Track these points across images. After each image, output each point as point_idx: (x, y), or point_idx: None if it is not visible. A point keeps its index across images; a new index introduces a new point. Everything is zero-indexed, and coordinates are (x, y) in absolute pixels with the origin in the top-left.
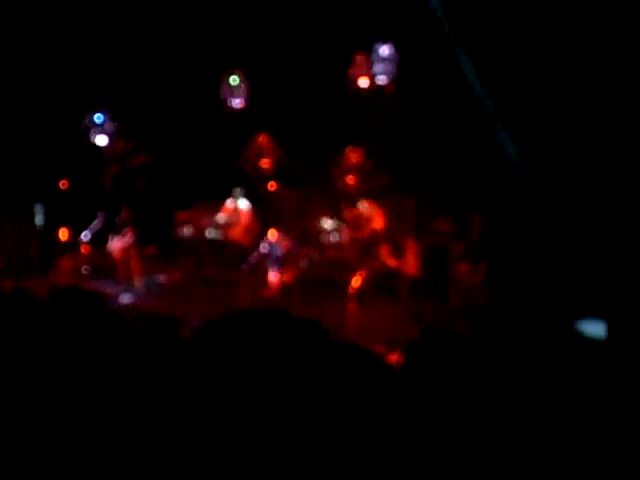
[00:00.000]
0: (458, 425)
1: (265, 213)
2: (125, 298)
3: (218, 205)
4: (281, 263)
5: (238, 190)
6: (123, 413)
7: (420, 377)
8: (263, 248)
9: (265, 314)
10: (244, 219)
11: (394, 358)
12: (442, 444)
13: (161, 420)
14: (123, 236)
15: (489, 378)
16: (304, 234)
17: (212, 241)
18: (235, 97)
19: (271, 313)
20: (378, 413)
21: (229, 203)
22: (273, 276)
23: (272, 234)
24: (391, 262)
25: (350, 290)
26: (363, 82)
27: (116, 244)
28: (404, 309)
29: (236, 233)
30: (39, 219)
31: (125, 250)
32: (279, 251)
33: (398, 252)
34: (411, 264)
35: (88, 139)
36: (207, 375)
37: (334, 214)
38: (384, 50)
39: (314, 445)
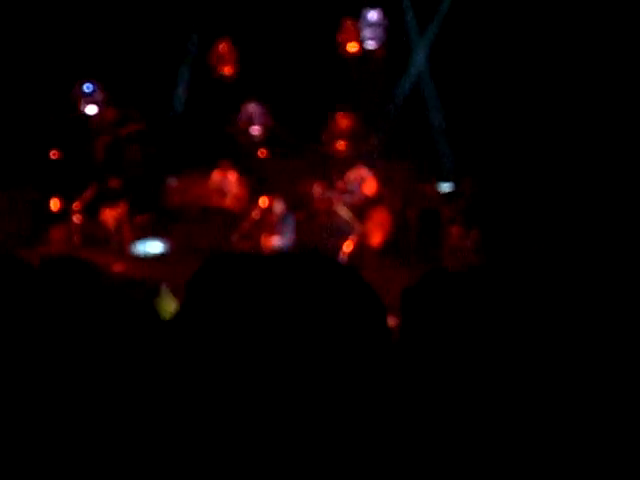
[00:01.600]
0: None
1: (256, 180)
2: (117, 266)
3: (208, 173)
4: (273, 229)
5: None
6: (121, 387)
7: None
8: (255, 215)
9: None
10: (234, 187)
11: (391, 322)
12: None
13: (160, 396)
14: (115, 205)
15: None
16: (295, 200)
17: (204, 209)
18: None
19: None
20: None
21: (217, 172)
22: (268, 241)
23: (263, 201)
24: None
25: (342, 255)
26: (352, 47)
27: (108, 213)
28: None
29: (227, 200)
30: None
31: (117, 219)
32: (271, 217)
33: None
34: (374, 233)
35: (78, 108)
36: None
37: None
38: (372, 15)
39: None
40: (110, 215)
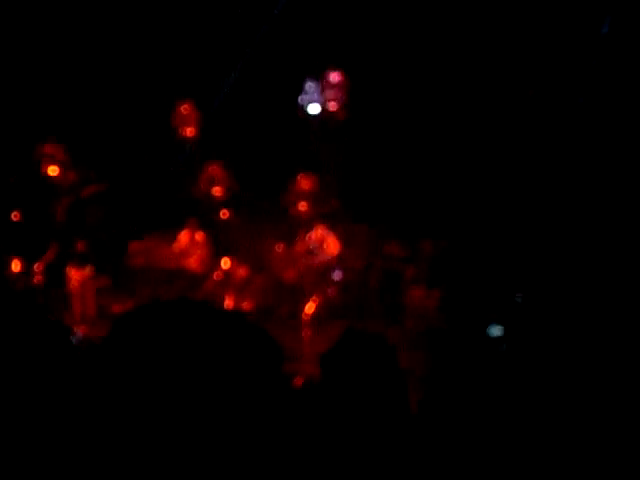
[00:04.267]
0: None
1: (218, 241)
2: (80, 330)
3: (171, 234)
4: (236, 290)
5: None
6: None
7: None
8: (217, 276)
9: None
10: (200, 247)
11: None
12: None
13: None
14: (78, 267)
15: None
16: (258, 261)
17: (166, 271)
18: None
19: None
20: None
21: (185, 232)
22: (227, 304)
23: (225, 262)
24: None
25: (304, 317)
26: (313, 109)
27: (72, 275)
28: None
29: (191, 261)
30: None
31: (80, 281)
32: (234, 278)
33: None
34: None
35: (40, 170)
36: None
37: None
38: (334, 77)
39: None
40: (73, 277)
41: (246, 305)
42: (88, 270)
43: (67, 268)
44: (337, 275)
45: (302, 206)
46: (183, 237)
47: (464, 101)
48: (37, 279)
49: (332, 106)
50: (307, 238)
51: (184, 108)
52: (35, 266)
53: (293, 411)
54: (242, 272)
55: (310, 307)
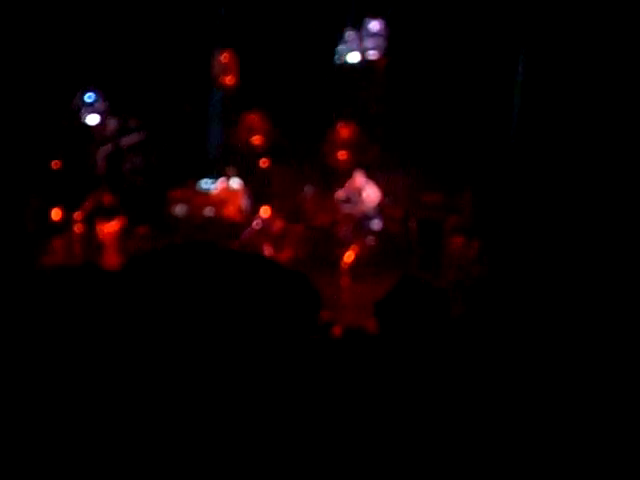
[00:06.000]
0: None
1: (257, 190)
2: None
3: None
4: (275, 239)
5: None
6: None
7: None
8: (256, 225)
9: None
10: (237, 197)
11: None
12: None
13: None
14: (112, 216)
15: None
16: (297, 210)
17: (205, 219)
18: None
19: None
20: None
21: (220, 181)
22: (266, 252)
23: (265, 211)
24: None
25: (343, 265)
26: (353, 57)
27: (104, 224)
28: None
29: (229, 211)
30: None
31: (114, 230)
32: (273, 227)
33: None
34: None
35: (79, 118)
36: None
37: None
38: (374, 25)
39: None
40: (106, 226)
41: (285, 254)
42: (118, 220)
43: (100, 218)
44: (376, 224)
45: (342, 155)
46: (222, 186)
47: (506, 48)
48: (77, 227)
49: (372, 55)
50: (346, 187)
51: (224, 57)
52: (75, 214)
53: (331, 358)
54: (281, 221)
55: (349, 256)
